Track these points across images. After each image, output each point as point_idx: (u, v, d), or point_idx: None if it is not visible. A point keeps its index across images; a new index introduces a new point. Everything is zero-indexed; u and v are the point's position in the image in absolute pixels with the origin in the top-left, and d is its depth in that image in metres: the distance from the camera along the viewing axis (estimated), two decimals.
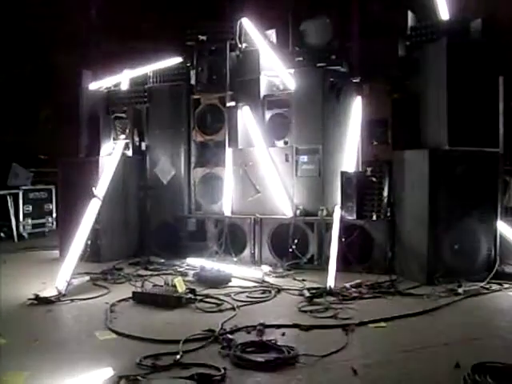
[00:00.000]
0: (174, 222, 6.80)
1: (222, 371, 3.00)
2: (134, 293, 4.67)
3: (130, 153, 7.07)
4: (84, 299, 4.70)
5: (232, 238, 6.38)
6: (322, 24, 6.49)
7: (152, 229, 6.92)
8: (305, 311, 4.29)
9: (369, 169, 5.82)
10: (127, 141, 7.04)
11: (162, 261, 6.28)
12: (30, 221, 8.60)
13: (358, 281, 5.05)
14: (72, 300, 4.67)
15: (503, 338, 3.66)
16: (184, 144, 6.87)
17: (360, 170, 5.92)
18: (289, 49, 6.64)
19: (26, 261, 6.65)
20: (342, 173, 5.87)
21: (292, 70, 6.46)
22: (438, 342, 3.57)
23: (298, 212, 6.14)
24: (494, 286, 4.94)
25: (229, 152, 6.58)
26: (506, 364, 2.93)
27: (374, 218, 5.69)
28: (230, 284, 5.24)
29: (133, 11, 9.47)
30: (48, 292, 4.72)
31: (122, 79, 7.39)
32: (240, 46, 6.88)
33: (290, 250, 5.98)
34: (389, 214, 5.63)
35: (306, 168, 6.18)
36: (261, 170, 6.34)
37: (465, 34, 5.67)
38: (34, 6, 9.48)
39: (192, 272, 5.53)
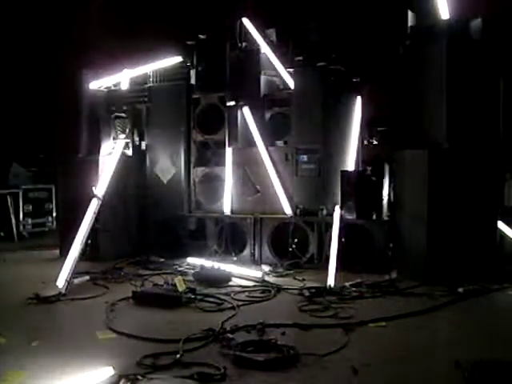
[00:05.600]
0: (174, 222, 6.80)
1: (222, 370, 3.00)
2: (134, 292, 4.67)
3: (129, 152, 7.07)
4: (84, 298, 4.70)
5: (232, 238, 6.39)
6: (323, 24, 6.49)
7: (152, 228, 6.92)
8: (305, 310, 4.29)
9: (369, 168, 5.82)
10: (127, 140, 7.04)
11: (162, 260, 6.29)
12: (30, 220, 8.61)
13: (358, 280, 5.06)
14: (72, 299, 4.67)
15: (503, 338, 3.67)
16: (184, 143, 6.87)
17: (360, 169, 5.92)
18: (289, 48, 6.64)
19: (26, 260, 6.65)
20: (342, 172, 5.87)
21: (292, 70, 6.46)
22: (438, 341, 3.58)
23: (298, 211, 6.14)
24: (494, 286, 4.94)
25: (229, 151, 6.58)
26: (505, 363, 2.93)
27: (374, 217, 5.70)
28: (229, 283, 5.24)
29: (133, 11, 9.47)
30: (48, 291, 4.72)
31: (121, 79, 7.38)
32: (240, 45, 6.87)
33: (290, 249, 5.99)
34: (389, 214, 5.63)
35: (305, 167, 6.18)
36: (261, 169, 6.34)
37: (465, 34, 5.66)
38: (34, 7, 9.49)
39: (192, 271, 5.53)
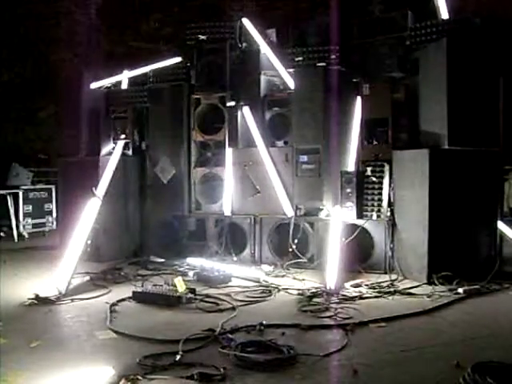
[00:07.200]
0: (174, 222, 6.80)
1: (222, 371, 3.00)
2: (134, 292, 4.67)
3: (129, 152, 7.06)
4: (84, 299, 4.70)
5: (232, 238, 6.38)
6: (323, 24, 6.49)
7: (152, 228, 6.92)
8: (305, 311, 4.29)
9: (369, 168, 5.82)
10: (127, 141, 7.04)
11: (162, 260, 6.28)
12: (30, 220, 8.61)
13: (358, 281, 5.07)
14: (72, 300, 4.67)
15: (503, 338, 3.66)
16: (184, 144, 6.86)
17: (360, 169, 5.92)
18: (289, 49, 6.64)
19: (26, 261, 6.65)
20: (342, 172, 5.88)
21: (292, 70, 6.46)
22: (438, 342, 3.57)
23: (298, 211, 6.14)
24: (494, 286, 4.94)
25: (229, 152, 6.58)
26: (506, 364, 2.92)
27: (374, 217, 5.70)
28: (230, 284, 5.24)
29: (133, 11, 9.48)
30: (48, 292, 4.72)
31: (122, 79, 7.39)
32: (240, 45, 6.88)
33: (290, 249, 5.98)
34: (389, 214, 5.63)
35: (305, 168, 6.18)
36: (261, 169, 6.34)
37: (465, 34, 5.66)
38: (34, 6, 9.49)
39: (192, 272, 5.53)
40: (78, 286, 5.11)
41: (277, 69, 6.60)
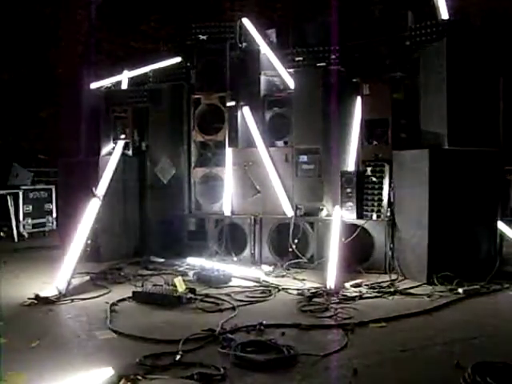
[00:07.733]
0: (174, 222, 6.80)
1: (222, 371, 3.00)
2: (134, 292, 4.67)
3: (130, 153, 7.06)
4: (84, 299, 4.70)
5: (232, 238, 6.38)
6: (323, 24, 6.49)
7: (152, 228, 6.91)
8: (305, 311, 4.29)
9: (369, 168, 5.83)
10: (127, 141, 7.04)
11: (162, 260, 6.28)
12: (30, 220, 8.61)
13: (358, 281, 5.06)
14: (72, 300, 4.67)
15: (503, 338, 3.66)
16: (184, 144, 6.87)
17: (360, 169, 5.93)
18: (289, 49, 6.64)
19: (26, 261, 6.64)
20: (342, 172, 5.88)
21: (292, 70, 6.47)
22: (438, 341, 3.57)
23: (298, 211, 6.14)
24: (494, 286, 4.94)
25: (229, 152, 6.58)
26: (506, 364, 2.92)
27: (374, 217, 5.71)
28: (230, 284, 5.24)
29: (133, 11, 9.48)
30: (48, 292, 4.72)
31: (122, 79, 7.39)
32: (240, 45, 6.88)
33: (290, 249, 5.98)
34: (389, 214, 5.63)
35: (305, 168, 6.18)
36: (261, 169, 6.34)
37: (465, 34, 5.66)
38: (34, 6, 9.49)
39: (192, 272, 5.53)
40: (78, 285, 5.11)
41: (277, 69, 6.60)
